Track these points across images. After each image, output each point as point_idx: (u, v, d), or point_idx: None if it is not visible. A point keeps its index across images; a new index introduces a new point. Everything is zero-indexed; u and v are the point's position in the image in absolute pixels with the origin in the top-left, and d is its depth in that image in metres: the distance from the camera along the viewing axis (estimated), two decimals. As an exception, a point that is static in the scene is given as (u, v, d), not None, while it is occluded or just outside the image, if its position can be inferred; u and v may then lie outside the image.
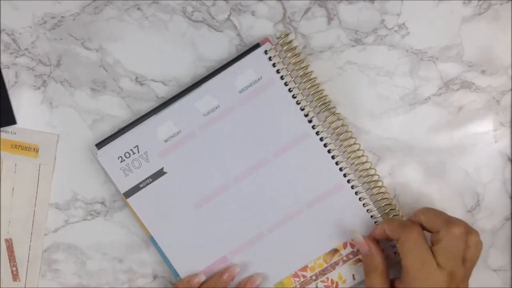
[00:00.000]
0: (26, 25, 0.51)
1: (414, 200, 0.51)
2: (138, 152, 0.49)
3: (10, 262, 0.51)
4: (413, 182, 0.51)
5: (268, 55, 0.49)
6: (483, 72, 0.51)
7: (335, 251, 0.50)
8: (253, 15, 0.50)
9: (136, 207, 0.50)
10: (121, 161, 0.49)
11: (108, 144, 0.49)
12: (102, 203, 0.52)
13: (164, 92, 0.51)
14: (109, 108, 0.51)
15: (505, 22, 0.51)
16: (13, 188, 0.51)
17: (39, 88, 0.51)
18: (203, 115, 0.49)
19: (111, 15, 0.51)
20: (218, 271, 0.50)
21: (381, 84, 0.51)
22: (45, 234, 0.52)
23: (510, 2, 0.50)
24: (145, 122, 0.49)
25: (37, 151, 0.51)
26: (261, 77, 0.49)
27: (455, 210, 0.51)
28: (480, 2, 0.50)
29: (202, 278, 0.49)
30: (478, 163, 0.51)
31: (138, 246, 0.52)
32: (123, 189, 0.49)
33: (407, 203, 0.51)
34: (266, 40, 0.49)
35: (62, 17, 0.51)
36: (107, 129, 0.51)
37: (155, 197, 0.49)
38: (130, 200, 0.49)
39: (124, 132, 0.49)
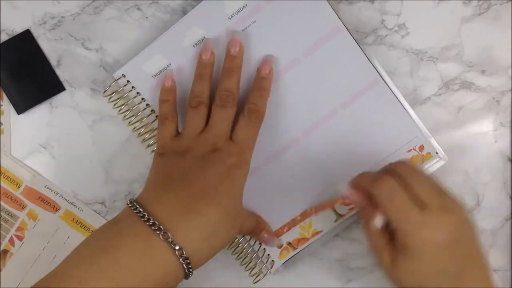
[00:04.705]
0: (26, 25, 0.51)
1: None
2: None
3: None
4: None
5: None
6: (483, 72, 0.51)
7: None
8: (253, 15, 0.50)
9: None
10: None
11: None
12: (102, 203, 0.52)
13: (164, 92, 0.51)
14: (109, 108, 0.51)
15: (505, 22, 0.50)
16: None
17: (39, 88, 0.51)
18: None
19: (111, 15, 0.51)
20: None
21: (381, 84, 0.51)
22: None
23: (510, 2, 0.50)
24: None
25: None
26: None
27: (455, 210, 0.51)
28: (480, 2, 0.50)
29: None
30: (478, 163, 0.51)
31: (138, 246, 0.52)
32: None
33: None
34: None
35: (62, 17, 0.51)
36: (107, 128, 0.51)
37: None
38: None
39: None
